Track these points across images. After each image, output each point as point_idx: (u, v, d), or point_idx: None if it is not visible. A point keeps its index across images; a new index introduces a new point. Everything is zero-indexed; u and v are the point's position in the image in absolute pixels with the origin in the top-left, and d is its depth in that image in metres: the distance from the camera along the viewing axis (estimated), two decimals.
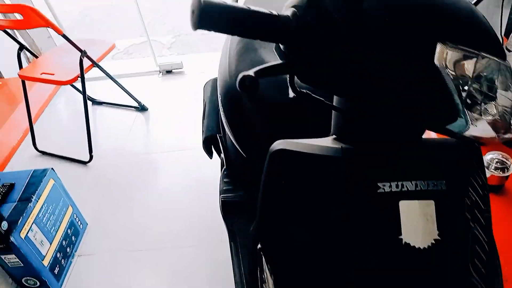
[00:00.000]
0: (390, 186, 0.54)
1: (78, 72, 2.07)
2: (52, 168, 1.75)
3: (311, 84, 0.54)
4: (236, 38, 1.29)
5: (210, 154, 1.74)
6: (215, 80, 1.85)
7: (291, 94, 0.57)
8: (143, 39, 3.71)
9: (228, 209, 1.28)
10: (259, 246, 0.67)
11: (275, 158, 0.64)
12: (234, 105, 1.25)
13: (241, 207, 1.29)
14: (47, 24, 1.89)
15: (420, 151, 0.58)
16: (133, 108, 2.70)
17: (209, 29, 0.49)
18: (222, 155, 1.51)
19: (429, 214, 0.54)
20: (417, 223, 0.54)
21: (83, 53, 2.07)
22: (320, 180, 0.59)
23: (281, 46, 0.55)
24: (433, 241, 0.53)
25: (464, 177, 0.57)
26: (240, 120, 1.24)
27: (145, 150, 2.39)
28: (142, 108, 2.67)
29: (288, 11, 0.52)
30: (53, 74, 2.11)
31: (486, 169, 1.58)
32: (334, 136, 0.64)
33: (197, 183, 2.10)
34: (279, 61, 0.55)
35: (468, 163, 0.58)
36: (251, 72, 0.51)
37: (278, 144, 0.65)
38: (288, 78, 0.56)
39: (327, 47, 0.50)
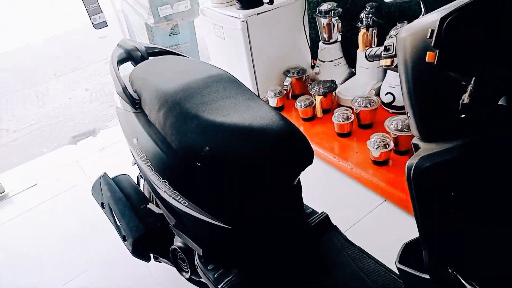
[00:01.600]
0: None
1: None
2: None
3: None
4: (160, 115, 1.14)
5: (147, 258, 1.46)
6: (105, 177, 1.56)
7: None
8: None
9: None
10: (449, 270, 0.62)
11: (425, 177, 0.61)
12: (201, 182, 1.10)
13: (249, 285, 1.14)
14: None
15: None
16: None
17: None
18: (180, 244, 1.29)
19: None
20: None
21: None
22: (473, 177, 0.61)
23: None
24: None
25: None
26: (217, 196, 1.10)
27: None
28: None
29: None
30: None
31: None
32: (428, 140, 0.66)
33: None
34: None
35: None
36: None
37: (418, 164, 0.62)
38: None
39: None
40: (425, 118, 0.67)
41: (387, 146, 1.88)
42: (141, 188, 1.67)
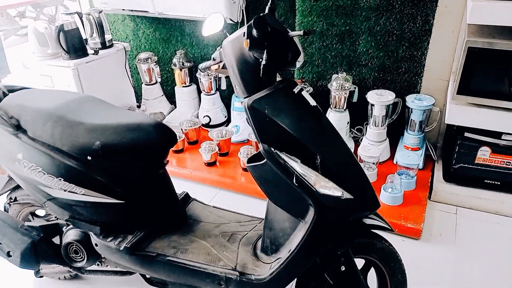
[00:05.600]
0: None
1: None
2: None
3: None
4: (47, 128, 1.43)
5: (36, 266, 1.62)
6: None
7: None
8: None
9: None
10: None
11: (253, 108, 1.20)
12: (95, 171, 1.43)
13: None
14: None
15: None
16: None
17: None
18: (72, 237, 1.53)
19: None
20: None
21: None
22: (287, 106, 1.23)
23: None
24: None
25: None
26: (110, 179, 1.44)
27: None
28: None
29: None
30: None
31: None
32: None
33: None
34: None
35: None
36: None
37: (249, 103, 1.20)
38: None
39: None
40: (246, 83, 1.26)
41: (213, 149, 2.49)
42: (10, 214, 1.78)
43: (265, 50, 1.16)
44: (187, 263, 1.43)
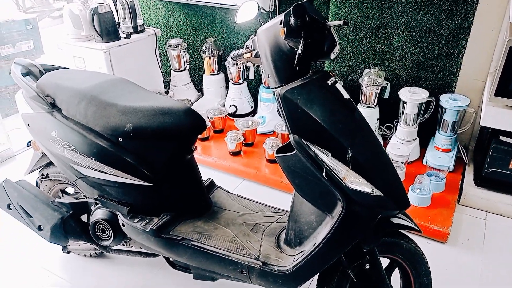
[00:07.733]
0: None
1: None
2: None
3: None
4: (80, 107, 1.46)
5: (64, 241, 1.65)
6: (8, 181, 1.70)
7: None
8: None
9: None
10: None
11: (285, 98, 1.19)
12: (126, 153, 1.45)
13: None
14: None
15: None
16: None
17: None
18: (100, 216, 1.56)
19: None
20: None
21: None
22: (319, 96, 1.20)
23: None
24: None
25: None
26: (140, 161, 1.45)
27: None
28: None
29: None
30: None
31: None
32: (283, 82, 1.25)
33: None
34: None
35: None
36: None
37: (282, 92, 1.18)
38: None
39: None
40: (279, 72, 1.24)
41: (239, 139, 2.49)
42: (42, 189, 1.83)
43: (302, 39, 1.14)
44: (211, 249, 1.44)
